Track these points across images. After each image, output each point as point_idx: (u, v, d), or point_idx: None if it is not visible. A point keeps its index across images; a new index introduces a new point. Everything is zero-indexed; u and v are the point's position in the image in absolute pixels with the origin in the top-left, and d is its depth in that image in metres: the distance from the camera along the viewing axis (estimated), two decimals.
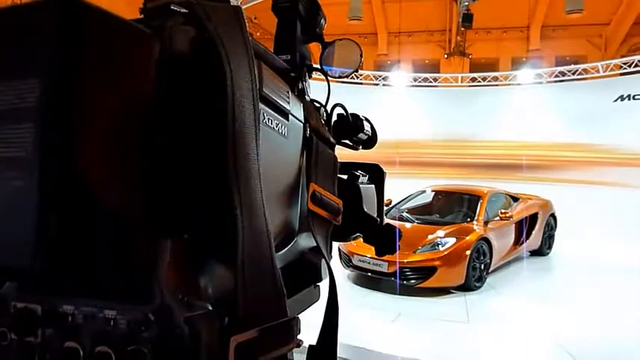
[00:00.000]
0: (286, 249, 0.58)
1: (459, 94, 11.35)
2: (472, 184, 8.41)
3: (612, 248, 8.70)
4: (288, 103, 0.56)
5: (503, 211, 6.85)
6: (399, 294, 5.94)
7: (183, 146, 0.39)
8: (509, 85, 11.19)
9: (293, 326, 0.45)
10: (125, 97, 0.37)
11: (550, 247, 8.27)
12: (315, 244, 0.63)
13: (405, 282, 5.93)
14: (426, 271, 5.87)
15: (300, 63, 0.70)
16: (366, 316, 5.32)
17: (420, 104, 11.37)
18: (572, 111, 10.31)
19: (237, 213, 0.39)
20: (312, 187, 0.59)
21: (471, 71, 12.75)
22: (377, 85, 11.27)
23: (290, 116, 0.56)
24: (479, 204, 6.97)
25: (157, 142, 0.38)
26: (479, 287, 6.24)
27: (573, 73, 10.29)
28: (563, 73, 10.43)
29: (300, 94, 0.67)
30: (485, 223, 6.69)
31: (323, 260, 0.73)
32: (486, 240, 6.40)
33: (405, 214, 7.16)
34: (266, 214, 0.42)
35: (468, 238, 6.14)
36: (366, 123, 0.86)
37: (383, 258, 6.02)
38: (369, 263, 6.13)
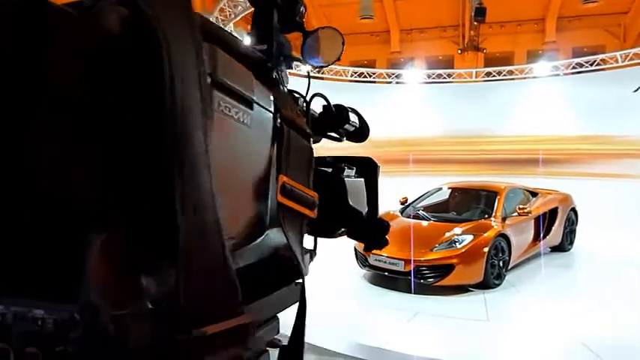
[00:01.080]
0: (254, 244, 0.55)
1: (473, 89, 11.21)
2: (489, 180, 8.29)
3: (637, 244, 8.48)
4: (252, 91, 0.53)
5: (521, 206, 6.73)
6: (417, 293, 5.87)
7: (116, 134, 0.36)
8: (524, 78, 11.01)
9: (248, 325, 0.42)
10: (55, 82, 0.35)
11: (571, 243, 8.10)
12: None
13: (422, 281, 5.85)
14: (443, 269, 5.79)
15: (276, 52, 0.68)
16: (383, 316, 5.28)
17: (433, 101, 11.26)
18: (591, 103, 10.08)
19: (177, 206, 0.36)
20: (282, 179, 0.56)
21: (485, 66, 12.55)
22: (390, 82, 11.19)
23: (255, 105, 0.53)
24: (496, 200, 6.86)
25: (88, 130, 0.35)
26: (498, 285, 6.13)
27: (591, 64, 10.06)
28: (580, 65, 10.20)
29: (273, 83, 0.64)
30: (503, 219, 6.58)
31: (307, 256, 0.70)
32: (505, 236, 6.29)
33: (421, 212, 7.08)
34: (217, 206, 0.39)
35: (485, 234, 6.04)
36: (352, 114, 0.83)
37: (399, 256, 5.97)
38: (385, 262, 6.07)
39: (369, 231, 0.80)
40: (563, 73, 10.54)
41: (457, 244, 5.91)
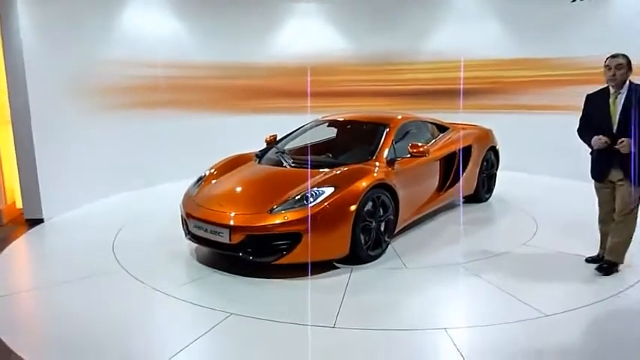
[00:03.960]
0: None
1: (385, 7, 9.00)
2: (392, 112, 6.25)
3: (570, 191, 6.85)
4: None
5: (415, 143, 4.76)
6: (254, 275, 3.90)
7: None
8: None
9: None
10: None
11: (490, 191, 6.32)
12: None
13: (252, 258, 3.85)
14: (285, 240, 3.80)
15: None
16: (177, 323, 3.26)
17: (337, 21, 9.01)
18: (523, 18, 8.17)
19: None
20: None
21: None
22: None
23: None
24: (383, 136, 4.86)
25: None
26: (376, 257, 4.23)
27: None
28: None
29: None
30: (390, 162, 4.61)
31: None
32: (388, 187, 4.34)
33: (282, 155, 5.00)
34: None
35: (355, 185, 4.05)
36: None
37: (223, 222, 3.91)
38: (205, 230, 4.01)
39: None
40: None
41: (311, 199, 3.89)
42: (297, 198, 3.91)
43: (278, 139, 5.59)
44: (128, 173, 6.83)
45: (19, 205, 5.93)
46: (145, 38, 7.23)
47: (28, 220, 5.70)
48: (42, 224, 5.63)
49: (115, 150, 6.71)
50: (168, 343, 2.92)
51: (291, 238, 3.77)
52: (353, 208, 3.93)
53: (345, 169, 4.33)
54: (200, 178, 4.73)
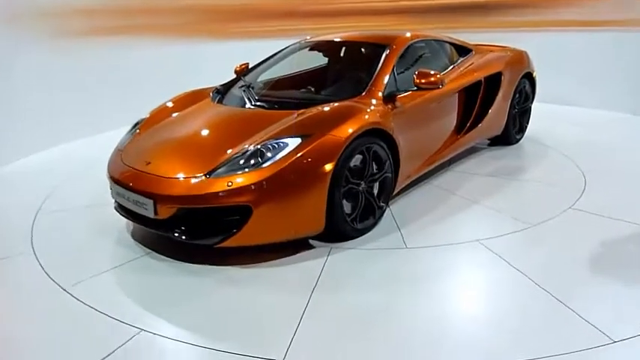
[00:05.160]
0: None
1: None
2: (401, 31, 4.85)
3: (630, 130, 5.52)
4: None
5: (424, 71, 3.45)
6: (201, 261, 2.84)
7: None
8: None
9: None
10: None
11: (522, 131, 5.02)
12: None
13: (187, 239, 2.76)
14: (231, 216, 2.68)
15: None
16: (58, 343, 2.24)
17: None
18: None
19: None
20: None
21: None
22: None
23: None
24: (381, 60, 3.57)
25: None
26: (365, 231, 3.10)
27: None
28: None
29: None
30: (388, 97, 3.36)
31: None
32: (384, 134, 3.12)
33: (247, 91, 3.77)
34: None
35: (334, 132, 2.85)
36: None
37: (147, 190, 2.79)
38: (127, 199, 2.91)
39: None
40: None
41: (268, 155, 2.72)
42: (248, 154, 2.75)
43: (250, 68, 4.34)
44: (77, 117, 5.66)
45: None
46: None
47: None
48: None
49: (61, 89, 5.53)
50: None
51: (240, 212, 2.65)
52: (329, 167, 2.75)
53: (325, 109, 3.11)
54: (135, 125, 3.58)
